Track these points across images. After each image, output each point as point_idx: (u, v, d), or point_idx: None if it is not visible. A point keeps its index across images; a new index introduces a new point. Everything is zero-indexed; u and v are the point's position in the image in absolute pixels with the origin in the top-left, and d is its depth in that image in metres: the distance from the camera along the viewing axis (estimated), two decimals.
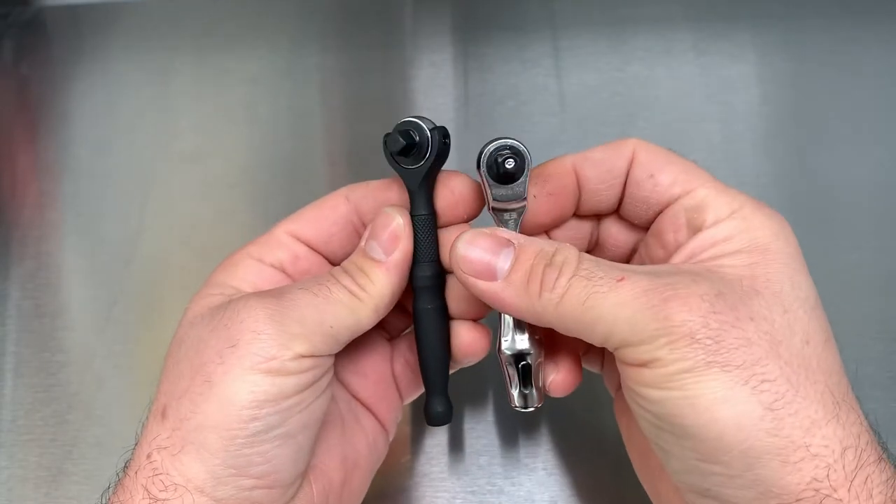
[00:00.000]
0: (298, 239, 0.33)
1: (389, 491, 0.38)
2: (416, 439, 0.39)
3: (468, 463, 0.39)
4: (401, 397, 0.35)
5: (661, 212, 0.31)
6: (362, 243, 0.32)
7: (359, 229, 0.33)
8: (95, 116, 0.49)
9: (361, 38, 0.50)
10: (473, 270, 0.29)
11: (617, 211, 0.32)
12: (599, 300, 0.26)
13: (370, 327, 0.31)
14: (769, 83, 0.47)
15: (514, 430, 0.39)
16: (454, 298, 0.32)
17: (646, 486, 0.32)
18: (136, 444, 0.29)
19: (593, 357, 0.35)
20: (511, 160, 0.29)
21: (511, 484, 0.38)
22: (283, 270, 0.33)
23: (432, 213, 0.32)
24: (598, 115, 0.47)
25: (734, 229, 0.28)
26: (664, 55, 0.48)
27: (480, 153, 0.30)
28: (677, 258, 0.29)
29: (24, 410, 0.41)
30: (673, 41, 0.49)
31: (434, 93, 0.48)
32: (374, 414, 0.34)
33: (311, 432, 0.29)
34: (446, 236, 0.32)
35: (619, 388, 0.32)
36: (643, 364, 0.25)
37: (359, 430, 0.33)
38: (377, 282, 0.31)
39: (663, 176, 0.30)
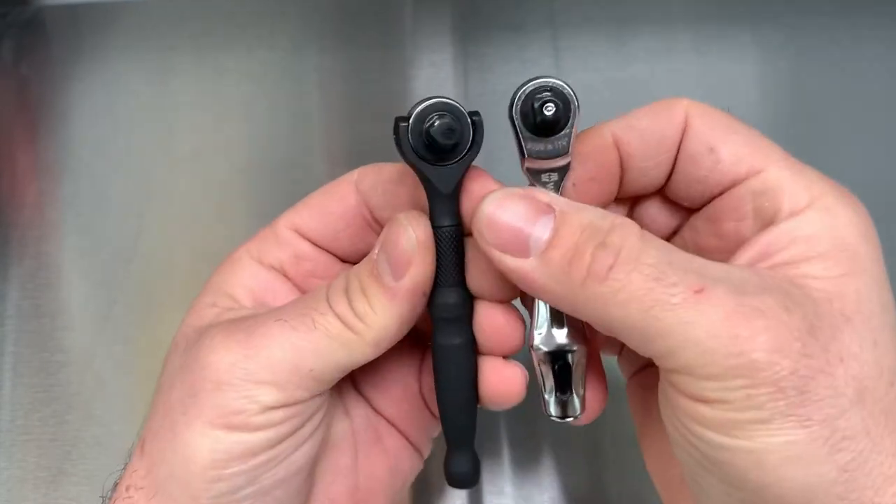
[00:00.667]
0: (302, 234, 0.28)
1: None
2: None
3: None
4: (433, 415, 0.30)
5: (720, 194, 0.25)
6: (373, 253, 0.25)
7: (372, 225, 0.28)
8: (95, 116, 0.49)
9: (361, 38, 0.50)
10: (500, 241, 0.23)
11: (661, 189, 0.27)
12: (667, 312, 0.21)
13: (369, 361, 0.26)
14: (769, 83, 0.47)
15: (515, 430, 0.39)
16: (486, 331, 0.26)
17: (655, 480, 0.28)
18: (126, 463, 0.27)
19: (611, 341, 0.29)
20: (551, 105, 0.23)
21: (511, 485, 0.38)
22: (283, 273, 0.28)
23: (459, 224, 0.25)
24: (599, 115, 0.46)
25: (817, 225, 0.23)
26: (664, 55, 0.48)
27: (514, 96, 0.24)
28: (745, 256, 0.23)
29: (24, 410, 0.41)
30: (673, 41, 0.48)
31: (433, 92, 0.48)
32: (400, 432, 0.30)
33: (292, 485, 0.26)
34: (475, 252, 0.25)
35: (636, 372, 0.29)
36: (705, 401, 0.21)
37: (378, 452, 0.29)
38: (380, 312, 0.25)
39: (725, 150, 0.24)
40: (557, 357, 0.25)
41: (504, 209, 0.23)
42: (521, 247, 0.22)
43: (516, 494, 0.38)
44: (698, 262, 0.22)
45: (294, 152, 0.47)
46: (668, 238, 0.28)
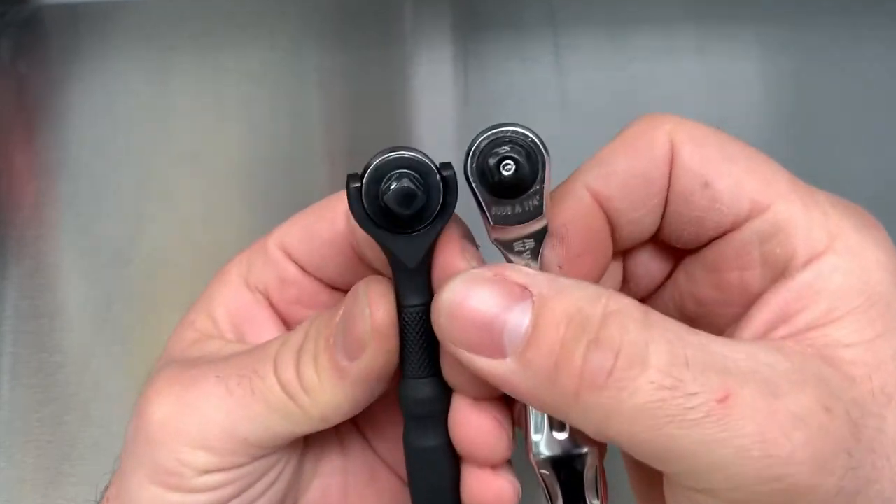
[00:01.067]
0: (289, 256, 0.25)
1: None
2: None
3: None
4: None
5: (719, 237, 0.21)
6: (336, 316, 0.22)
7: (362, 258, 0.24)
8: (94, 115, 0.48)
9: (361, 37, 0.50)
10: (467, 339, 0.18)
11: (653, 235, 0.22)
12: (686, 431, 0.16)
13: (318, 431, 0.23)
14: (772, 82, 0.47)
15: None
16: (463, 435, 0.21)
17: None
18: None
19: None
20: (510, 162, 0.18)
21: None
22: (268, 297, 0.25)
23: (429, 303, 0.20)
24: (600, 114, 0.46)
25: (841, 273, 0.19)
26: (666, 54, 0.48)
27: (469, 149, 0.19)
28: (759, 319, 0.19)
29: (22, 411, 0.41)
30: (675, 40, 0.48)
31: (434, 91, 0.48)
32: (398, 476, 0.26)
33: None
34: None
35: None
36: None
37: (371, 493, 0.26)
38: (328, 389, 0.21)
39: (723, 183, 0.20)
40: (563, 464, 0.20)
41: (468, 298, 0.18)
42: (495, 345, 0.18)
43: None
44: (718, 349, 0.17)
45: (294, 152, 0.47)
46: (661, 284, 0.24)
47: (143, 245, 0.45)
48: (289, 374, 0.21)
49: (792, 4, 0.49)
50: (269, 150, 0.47)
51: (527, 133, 0.19)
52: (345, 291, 0.23)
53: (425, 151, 0.20)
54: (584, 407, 0.17)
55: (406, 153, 0.19)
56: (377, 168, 0.19)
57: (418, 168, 0.19)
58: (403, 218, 0.19)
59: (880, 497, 0.17)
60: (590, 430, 0.18)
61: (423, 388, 0.21)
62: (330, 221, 0.24)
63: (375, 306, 0.21)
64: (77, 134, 0.48)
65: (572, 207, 0.21)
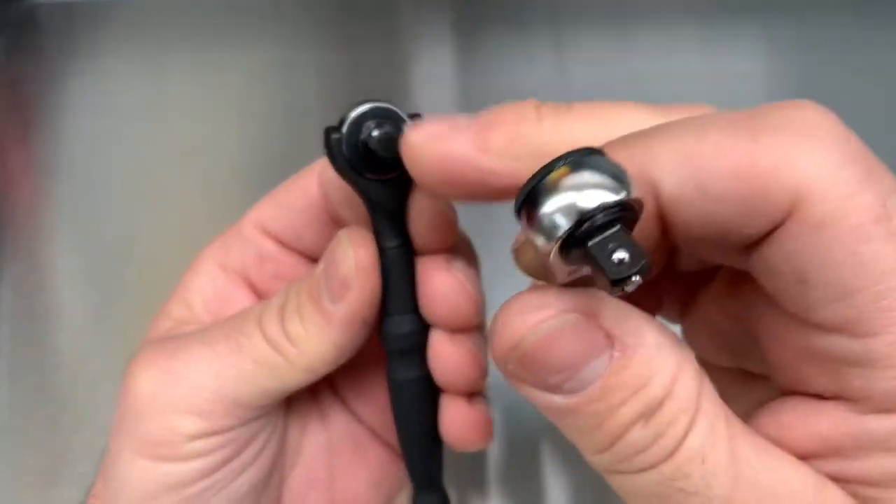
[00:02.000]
0: (267, 232, 0.25)
1: None
2: None
3: (469, 465, 0.38)
4: None
5: (794, 321, 0.17)
6: (317, 270, 0.23)
7: (337, 223, 0.25)
8: (90, 114, 0.48)
9: (360, 33, 0.50)
10: (532, 381, 0.17)
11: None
12: (682, 500, 0.16)
13: (306, 385, 0.23)
14: (776, 79, 0.47)
15: (515, 433, 0.39)
16: (439, 365, 0.23)
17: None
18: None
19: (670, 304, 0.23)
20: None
21: (511, 488, 0.38)
22: (246, 277, 0.26)
23: (408, 244, 0.22)
24: None
25: None
26: (669, 50, 0.48)
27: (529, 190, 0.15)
28: (798, 439, 0.17)
29: (18, 413, 0.41)
30: (678, 36, 0.48)
31: (434, 88, 0.48)
32: (385, 443, 0.27)
33: None
34: (426, 274, 0.22)
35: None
36: None
37: (358, 464, 0.27)
38: (314, 337, 0.22)
39: (825, 290, 0.15)
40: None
41: (547, 348, 0.16)
42: (557, 387, 0.16)
43: (518, 496, 0.38)
44: (747, 459, 0.16)
45: (292, 150, 0.47)
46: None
47: (139, 244, 0.45)
48: (273, 328, 0.22)
49: (796, 1, 0.49)
50: (266, 147, 0.47)
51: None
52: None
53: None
54: (600, 461, 0.17)
55: (381, 104, 0.21)
56: (357, 118, 0.21)
57: (393, 116, 0.21)
58: (386, 161, 0.21)
59: None
60: (607, 475, 0.17)
61: (404, 324, 0.22)
62: (303, 190, 0.25)
63: (357, 246, 0.22)
64: (73, 133, 0.48)
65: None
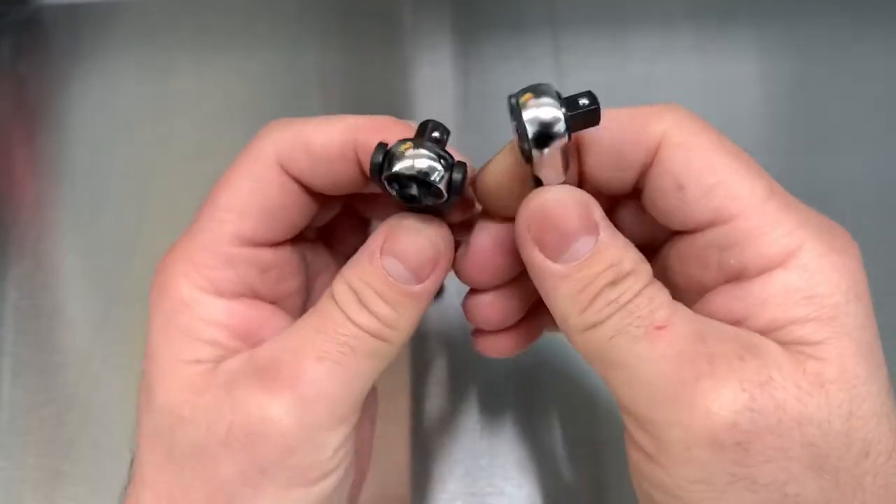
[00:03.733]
0: (253, 242, 0.25)
1: (388, 493, 0.38)
2: (416, 441, 0.39)
3: (469, 464, 0.39)
4: None
5: (686, 233, 0.24)
6: (375, 258, 0.24)
7: (314, 198, 0.26)
8: (94, 115, 0.48)
9: (361, 36, 0.50)
10: (542, 237, 0.22)
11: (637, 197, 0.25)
12: (626, 343, 0.21)
13: None
14: (771, 82, 0.47)
15: (515, 431, 0.39)
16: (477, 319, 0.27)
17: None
18: None
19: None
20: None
21: (512, 485, 0.38)
22: (256, 295, 0.25)
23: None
24: None
25: (788, 287, 0.21)
26: (665, 54, 0.48)
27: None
28: (711, 305, 0.23)
29: (22, 411, 0.41)
30: (674, 40, 0.48)
31: (434, 91, 0.48)
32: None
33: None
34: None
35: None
36: (648, 455, 0.21)
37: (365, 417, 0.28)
38: (407, 314, 0.24)
39: (694, 189, 0.22)
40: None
41: (566, 208, 0.22)
42: (556, 252, 0.22)
43: (517, 495, 0.38)
44: (676, 305, 0.22)
45: None
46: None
47: (143, 244, 0.45)
48: (367, 319, 0.23)
49: (791, 4, 0.49)
50: None
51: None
52: (308, 240, 0.28)
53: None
54: (576, 320, 0.22)
55: (422, 164, 0.22)
56: (395, 175, 0.22)
57: (431, 175, 0.22)
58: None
59: (780, 451, 0.20)
60: (572, 337, 0.23)
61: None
62: (265, 187, 0.25)
63: (436, 234, 0.24)
64: (77, 134, 0.48)
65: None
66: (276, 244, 0.26)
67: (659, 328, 0.21)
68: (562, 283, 0.22)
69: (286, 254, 0.26)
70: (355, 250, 0.25)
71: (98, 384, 0.41)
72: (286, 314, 0.26)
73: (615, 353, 0.21)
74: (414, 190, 0.23)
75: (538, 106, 0.21)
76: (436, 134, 0.23)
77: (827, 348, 0.21)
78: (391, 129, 0.24)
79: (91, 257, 0.45)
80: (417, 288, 0.24)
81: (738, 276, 0.22)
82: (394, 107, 0.48)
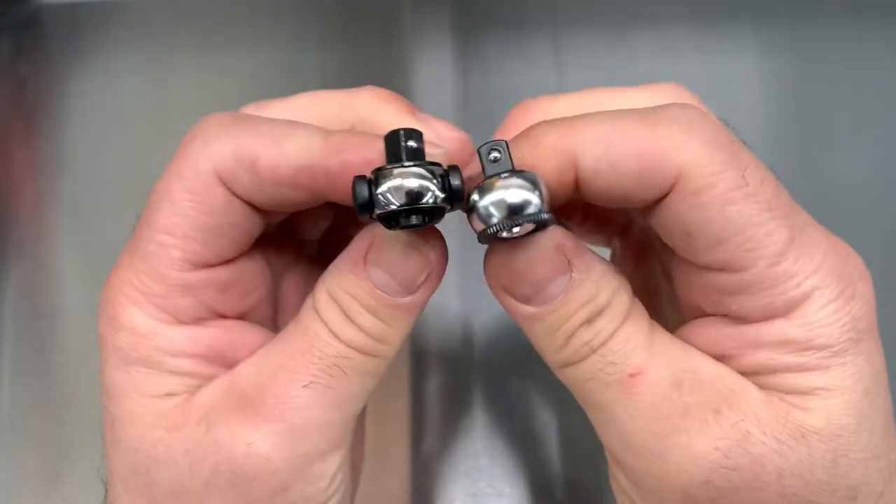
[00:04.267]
0: (204, 264, 0.22)
1: (387, 493, 0.38)
2: (416, 442, 0.39)
3: (469, 465, 0.39)
4: None
5: (688, 265, 0.22)
6: (358, 264, 0.22)
7: (258, 211, 0.23)
8: (93, 115, 0.48)
9: (361, 36, 0.50)
10: (511, 289, 0.22)
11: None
12: (600, 388, 0.21)
13: None
14: (771, 82, 0.47)
15: (515, 431, 0.39)
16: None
17: None
18: None
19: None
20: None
21: (511, 486, 0.38)
22: (221, 314, 0.23)
23: None
24: None
25: (786, 338, 0.20)
26: (666, 53, 0.48)
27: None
28: (701, 333, 0.22)
29: (22, 412, 0.41)
30: (675, 39, 0.48)
31: (434, 91, 0.48)
32: None
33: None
34: None
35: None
36: (627, 493, 0.22)
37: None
38: (399, 326, 0.22)
39: (704, 241, 0.20)
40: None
41: (534, 264, 0.21)
42: (526, 298, 0.21)
43: (517, 496, 0.38)
44: (662, 340, 0.21)
45: None
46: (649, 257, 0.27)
47: None
48: (355, 335, 0.22)
49: (792, 4, 0.49)
50: None
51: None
52: (260, 247, 0.24)
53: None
54: (555, 357, 0.22)
55: (416, 186, 0.20)
56: (388, 214, 0.20)
57: (429, 198, 0.20)
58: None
59: (755, 497, 0.19)
60: (557, 372, 0.22)
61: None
62: (206, 205, 0.22)
63: (432, 246, 0.22)
64: (77, 133, 0.48)
65: (539, 151, 0.21)
66: (232, 259, 0.23)
67: (633, 375, 0.20)
68: (536, 325, 0.21)
69: (246, 265, 0.24)
70: (323, 238, 0.24)
71: (98, 384, 0.41)
72: (258, 327, 0.24)
73: (592, 395, 0.21)
74: (415, 219, 0.20)
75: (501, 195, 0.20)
76: (411, 143, 0.20)
77: (814, 399, 0.20)
78: (357, 149, 0.21)
79: (91, 257, 0.45)
80: (408, 299, 0.22)
81: (735, 317, 0.21)
82: None
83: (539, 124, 0.21)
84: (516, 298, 0.21)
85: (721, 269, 0.20)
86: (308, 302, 0.23)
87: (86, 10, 0.51)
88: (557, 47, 0.48)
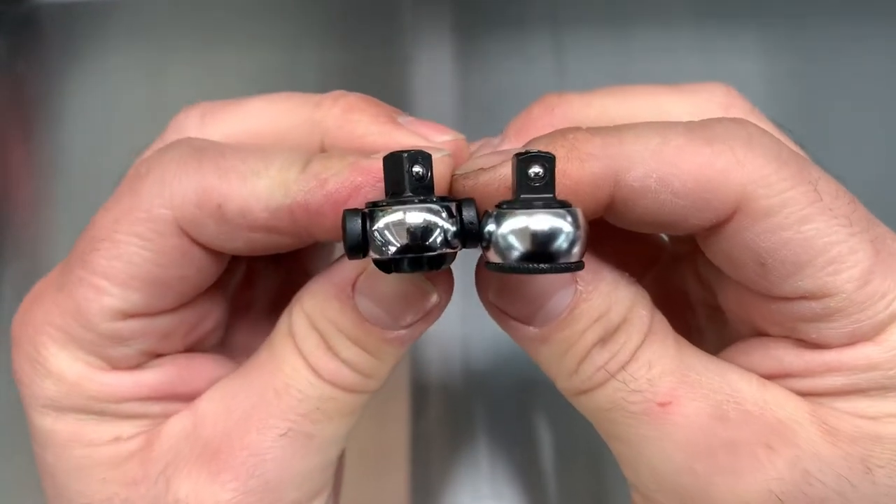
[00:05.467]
0: (146, 313, 0.20)
1: (387, 496, 0.38)
2: (416, 442, 0.39)
3: (469, 467, 0.38)
4: None
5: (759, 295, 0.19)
6: (345, 291, 0.19)
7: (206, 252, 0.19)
8: (90, 115, 0.48)
9: (360, 35, 0.50)
10: (509, 310, 0.19)
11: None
12: (624, 419, 0.18)
13: None
14: (774, 81, 0.47)
15: (516, 435, 0.39)
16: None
17: None
18: None
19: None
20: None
21: (512, 489, 0.38)
22: (155, 355, 0.20)
23: None
24: None
25: (870, 362, 0.18)
26: (668, 52, 0.48)
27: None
28: (757, 363, 0.19)
29: (19, 414, 0.41)
30: (677, 38, 0.48)
31: (434, 90, 0.48)
32: None
33: None
34: None
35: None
36: None
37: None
38: (387, 358, 0.19)
39: (781, 269, 0.18)
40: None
41: (526, 276, 0.18)
42: (529, 319, 0.19)
43: (516, 498, 0.38)
44: (693, 361, 0.19)
45: None
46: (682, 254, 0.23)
47: None
48: (340, 372, 0.19)
49: (794, 3, 0.49)
50: None
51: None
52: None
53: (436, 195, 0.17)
54: (567, 383, 0.19)
55: (422, 224, 0.16)
56: (385, 263, 0.17)
57: (439, 238, 0.17)
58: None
59: None
60: (571, 399, 0.20)
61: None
62: (160, 251, 0.19)
63: (441, 290, 0.19)
64: (74, 133, 0.48)
65: (576, 174, 0.18)
66: (178, 306, 0.20)
67: (663, 405, 0.18)
68: (541, 348, 0.19)
69: (196, 305, 0.21)
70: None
71: None
72: (211, 354, 0.22)
73: (614, 428, 0.19)
74: (419, 266, 0.17)
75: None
76: (417, 169, 0.17)
77: (883, 425, 0.18)
78: (344, 177, 0.18)
79: None
80: (402, 333, 0.19)
81: (811, 342, 0.19)
82: (393, 105, 0.48)
83: (576, 129, 0.18)
84: (515, 318, 0.19)
85: (801, 299, 0.18)
86: (283, 326, 0.20)
87: (83, 8, 0.51)
88: (558, 46, 0.48)
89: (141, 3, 0.51)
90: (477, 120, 0.47)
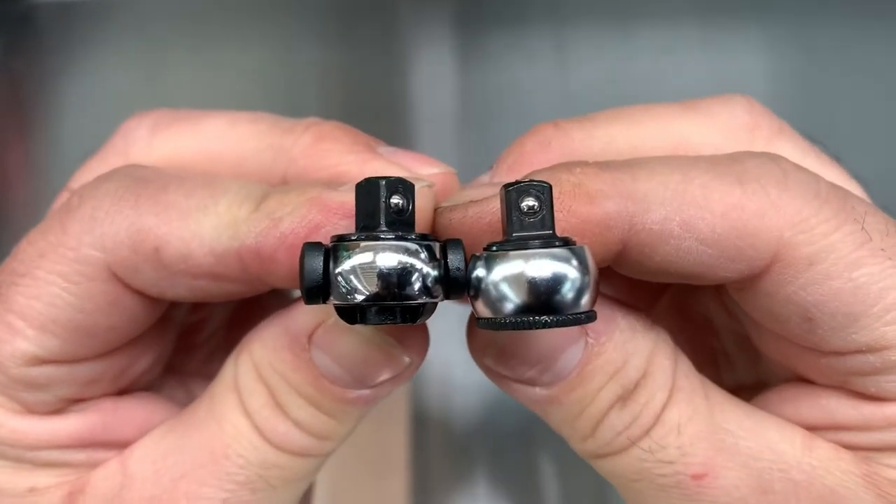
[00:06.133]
0: (70, 362, 0.17)
1: (386, 499, 0.38)
2: (416, 443, 0.39)
3: (469, 469, 0.38)
4: None
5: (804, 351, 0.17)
6: (299, 342, 0.16)
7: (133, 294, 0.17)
8: (87, 113, 0.48)
9: (359, 32, 0.49)
10: (509, 369, 0.16)
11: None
12: (653, 491, 0.16)
13: None
14: (777, 78, 0.47)
15: (517, 437, 0.39)
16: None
17: None
18: None
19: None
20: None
21: (513, 493, 0.38)
22: (77, 400, 0.18)
23: None
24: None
25: None
26: (670, 50, 0.47)
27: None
28: (805, 414, 0.17)
29: None
30: (679, 35, 0.48)
31: (434, 87, 0.47)
32: None
33: None
34: None
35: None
36: None
37: None
38: (349, 421, 0.17)
39: (831, 322, 0.15)
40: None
41: (527, 336, 0.16)
42: (532, 379, 0.16)
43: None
44: (728, 423, 0.16)
45: None
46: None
47: None
48: (294, 436, 0.17)
49: (797, 0, 0.48)
50: None
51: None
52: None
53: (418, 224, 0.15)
54: (582, 446, 0.17)
55: (395, 269, 0.13)
56: (349, 307, 0.14)
57: (415, 286, 0.14)
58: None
59: None
60: (590, 461, 0.17)
61: None
62: (89, 296, 0.17)
63: (412, 352, 0.17)
64: (71, 131, 0.48)
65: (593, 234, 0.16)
66: (104, 353, 0.18)
67: (697, 477, 0.15)
68: (551, 409, 0.16)
69: (128, 351, 0.19)
70: None
71: None
72: (143, 397, 0.20)
73: (641, 499, 0.16)
74: (390, 318, 0.14)
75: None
76: (396, 200, 0.14)
77: None
78: (304, 215, 0.15)
79: None
80: (365, 393, 0.16)
81: (866, 395, 0.17)
82: (393, 103, 0.47)
83: (583, 163, 0.16)
84: (517, 381, 0.16)
85: (856, 353, 0.16)
86: (227, 376, 0.17)
87: (79, 7, 0.50)
88: (560, 42, 0.48)
89: (138, 2, 0.51)
90: (477, 117, 0.46)
